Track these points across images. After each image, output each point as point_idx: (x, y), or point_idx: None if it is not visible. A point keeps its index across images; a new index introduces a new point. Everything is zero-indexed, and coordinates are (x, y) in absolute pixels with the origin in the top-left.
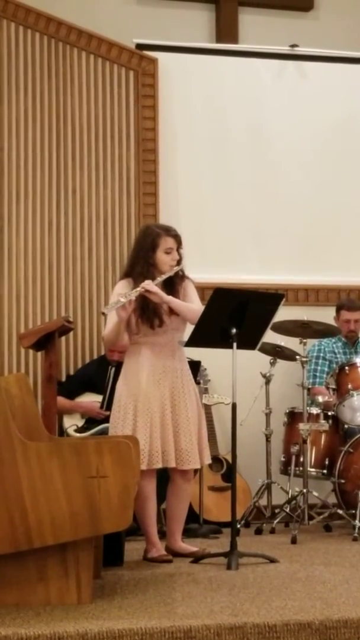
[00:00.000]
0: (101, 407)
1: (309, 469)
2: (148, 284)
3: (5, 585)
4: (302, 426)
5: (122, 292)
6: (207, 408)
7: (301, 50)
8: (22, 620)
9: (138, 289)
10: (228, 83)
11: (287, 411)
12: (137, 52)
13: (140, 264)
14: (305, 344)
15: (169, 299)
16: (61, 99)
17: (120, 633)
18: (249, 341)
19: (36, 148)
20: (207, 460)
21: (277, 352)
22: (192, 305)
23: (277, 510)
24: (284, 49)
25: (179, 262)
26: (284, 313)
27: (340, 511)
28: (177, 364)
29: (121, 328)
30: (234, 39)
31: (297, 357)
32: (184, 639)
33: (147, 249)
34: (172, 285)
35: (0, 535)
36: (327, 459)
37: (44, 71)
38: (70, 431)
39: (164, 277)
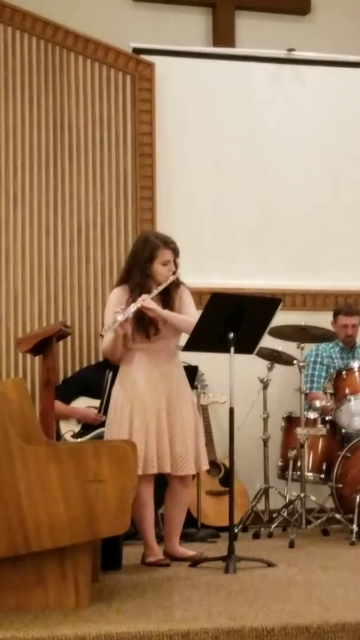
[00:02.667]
0: (99, 411)
1: (306, 473)
2: (145, 300)
3: (4, 588)
4: (300, 431)
5: (118, 309)
6: (205, 410)
7: (298, 54)
8: (21, 624)
9: (135, 304)
10: (225, 87)
11: (285, 416)
12: (134, 56)
13: (137, 274)
14: (302, 348)
15: (165, 314)
16: (58, 103)
17: (118, 636)
18: (246, 346)
19: (33, 152)
20: (205, 466)
21: (275, 357)
22: (188, 317)
23: (274, 515)
24: (281, 53)
25: (174, 272)
26: (282, 318)
27: (337, 515)
28: (173, 370)
29: (118, 343)
30: (231, 43)
31: (295, 361)
32: None
33: (145, 260)
34: (168, 292)
35: None
36: (324, 464)
37: (41, 75)
38: (67, 437)
39: (160, 288)
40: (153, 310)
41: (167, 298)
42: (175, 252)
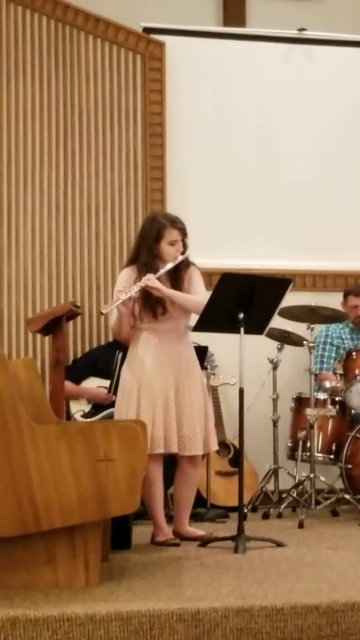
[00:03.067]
0: (109, 391)
1: (316, 454)
2: (149, 279)
3: (14, 567)
4: (309, 412)
5: (122, 288)
6: (214, 391)
7: (309, 34)
8: (31, 602)
9: (139, 283)
10: (235, 67)
11: (294, 397)
12: (145, 35)
13: (145, 254)
14: (312, 329)
15: (170, 293)
16: (68, 83)
17: (128, 615)
18: (256, 326)
19: (43, 132)
20: (214, 446)
21: (285, 338)
22: (195, 297)
23: (284, 495)
24: (292, 33)
25: (183, 252)
26: (292, 298)
27: (347, 496)
28: (182, 350)
29: (123, 321)
30: (242, 23)
31: (305, 342)
32: (191, 622)
33: (152, 240)
34: (177, 272)
35: (8, 518)
36: (334, 444)
37: (51, 55)
38: (77, 417)
39: (166, 268)
40: (158, 289)
41: (177, 278)
42: (183, 232)
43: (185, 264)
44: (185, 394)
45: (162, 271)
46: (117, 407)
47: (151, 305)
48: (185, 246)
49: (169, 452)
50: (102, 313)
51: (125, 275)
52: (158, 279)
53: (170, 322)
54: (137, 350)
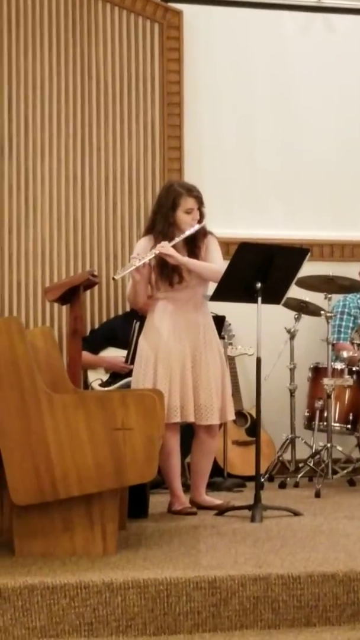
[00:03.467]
0: (126, 361)
1: (332, 423)
2: (163, 246)
3: (32, 535)
4: (327, 381)
5: (136, 255)
6: (232, 361)
7: (328, 2)
8: (49, 570)
9: (153, 251)
10: (253, 36)
11: (312, 366)
12: (162, 4)
13: (161, 222)
14: (330, 299)
15: (185, 260)
16: (85, 52)
17: (145, 583)
18: (273, 296)
19: (60, 102)
20: (231, 416)
21: (302, 308)
22: (211, 264)
23: (301, 465)
24: (311, 1)
25: (200, 221)
26: (309, 268)
27: None
28: (200, 319)
29: (138, 289)
30: None
31: (322, 312)
32: (208, 589)
33: (168, 208)
34: (195, 242)
35: (26, 486)
36: (351, 414)
37: (68, 24)
38: (95, 385)
39: (182, 236)
40: (172, 256)
41: (194, 247)
42: (199, 200)
43: (202, 233)
44: (203, 363)
45: (177, 239)
46: (134, 376)
47: (167, 273)
48: (202, 215)
49: (185, 422)
50: (113, 279)
51: (142, 244)
52: (175, 247)
53: (187, 290)
54: (153, 320)
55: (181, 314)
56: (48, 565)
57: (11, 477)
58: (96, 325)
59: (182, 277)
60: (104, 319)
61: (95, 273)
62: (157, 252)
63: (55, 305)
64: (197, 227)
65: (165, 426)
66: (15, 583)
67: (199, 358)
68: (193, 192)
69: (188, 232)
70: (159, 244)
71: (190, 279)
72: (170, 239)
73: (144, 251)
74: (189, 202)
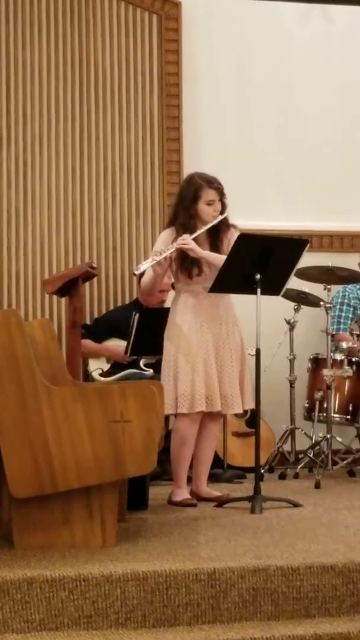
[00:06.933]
0: (125, 352)
1: (332, 414)
2: (185, 239)
3: (31, 528)
4: (326, 372)
5: (158, 249)
6: None
7: None
8: (48, 562)
9: (175, 244)
10: (252, 27)
11: (311, 357)
12: None
13: (183, 214)
14: (329, 290)
15: (205, 254)
16: (83, 43)
17: (144, 575)
18: (273, 287)
19: (59, 94)
20: (248, 405)
21: (301, 299)
22: None
23: (300, 456)
24: None
25: (222, 212)
26: (308, 259)
27: None
28: (221, 311)
29: (157, 282)
30: None
31: (321, 303)
32: (207, 581)
33: (189, 200)
34: (217, 234)
35: (25, 478)
36: (350, 405)
37: (67, 15)
38: (95, 375)
39: (204, 228)
40: (192, 249)
41: (215, 239)
42: (220, 192)
43: (225, 225)
44: (226, 355)
45: (198, 231)
46: (162, 376)
47: (187, 266)
48: (224, 206)
49: (211, 411)
50: (134, 274)
51: (164, 236)
52: (197, 239)
53: (207, 283)
54: (175, 316)
55: (202, 306)
56: (47, 557)
57: (10, 470)
58: (96, 316)
59: (202, 270)
60: (103, 311)
61: (94, 265)
62: (178, 245)
63: (54, 297)
64: (218, 218)
65: (183, 416)
66: (15, 576)
67: (222, 351)
68: (214, 183)
69: (209, 225)
70: (180, 236)
71: (209, 271)
72: (191, 231)
73: (165, 243)
74: (210, 194)
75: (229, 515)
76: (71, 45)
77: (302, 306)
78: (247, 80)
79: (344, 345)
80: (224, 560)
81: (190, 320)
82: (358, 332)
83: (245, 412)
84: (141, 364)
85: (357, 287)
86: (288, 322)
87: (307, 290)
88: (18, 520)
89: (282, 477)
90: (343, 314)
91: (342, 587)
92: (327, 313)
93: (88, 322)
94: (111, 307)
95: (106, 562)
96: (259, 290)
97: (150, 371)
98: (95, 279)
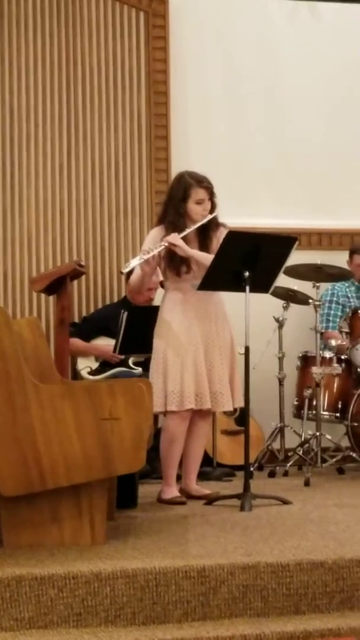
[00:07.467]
0: (114, 350)
1: (322, 412)
2: (172, 238)
3: (20, 526)
4: (315, 370)
5: (147, 248)
6: None
7: None
8: (37, 561)
9: (162, 242)
10: (240, 24)
11: (300, 355)
12: None
13: (172, 213)
14: (318, 287)
15: (193, 253)
16: (71, 41)
17: (134, 572)
18: (262, 284)
19: (46, 91)
20: (238, 403)
21: (290, 296)
22: None
23: (290, 454)
24: None
25: (212, 211)
26: (297, 257)
27: (353, 454)
28: (210, 308)
29: (145, 280)
30: None
31: (310, 301)
32: (197, 578)
33: (179, 199)
34: (206, 233)
35: (14, 477)
36: (340, 402)
37: (53, 12)
38: (84, 373)
39: (192, 228)
40: (181, 248)
41: (205, 238)
42: (209, 191)
43: (215, 225)
44: (216, 352)
45: (187, 230)
46: (150, 376)
47: (175, 263)
48: (213, 206)
49: (200, 408)
50: (121, 273)
51: (153, 234)
52: (186, 238)
53: (196, 280)
54: (163, 313)
55: (191, 304)
56: (36, 555)
57: None
58: (84, 314)
59: (190, 268)
60: (91, 309)
61: (82, 263)
62: (166, 243)
63: (42, 295)
64: (208, 217)
65: (172, 414)
66: (3, 574)
67: (212, 348)
68: (203, 182)
69: (198, 224)
70: (169, 234)
71: (198, 269)
72: (180, 230)
73: (153, 241)
74: (199, 193)
75: (219, 512)
76: (58, 43)
77: (291, 304)
78: (235, 78)
79: (333, 342)
80: (213, 557)
81: (179, 317)
82: (347, 330)
83: (235, 410)
84: (130, 362)
85: (346, 284)
86: (277, 320)
87: (296, 287)
88: (7, 519)
89: (272, 474)
90: (332, 312)
91: (332, 583)
92: (316, 311)
93: (76, 320)
94: (99, 305)
95: (95, 560)
96: (247, 288)
97: (139, 369)
98: (83, 277)
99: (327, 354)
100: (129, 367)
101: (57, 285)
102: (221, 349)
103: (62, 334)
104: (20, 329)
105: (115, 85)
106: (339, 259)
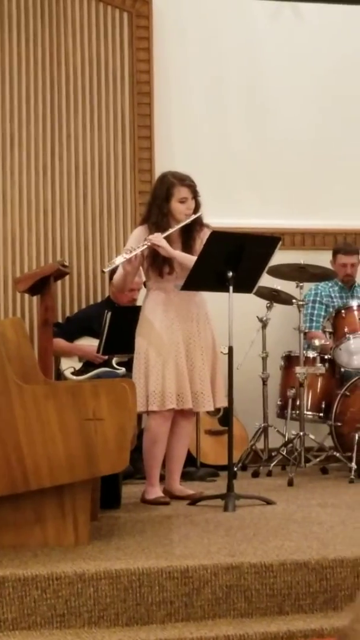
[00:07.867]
0: (97, 350)
1: (305, 412)
2: (155, 238)
3: (3, 527)
4: (299, 370)
5: (129, 247)
6: None
7: None
8: (20, 562)
9: (145, 242)
10: (223, 24)
11: (284, 355)
12: None
13: (155, 213)
14: (301, 287)
15: (176, 254)
16: (54, 42)
17: (117, 573)
18: (245, 284)
19: (30, 92)
20: (222, 403)
21: (274, 296)
22: None
23: (273, 454)
24: None
25: (195, 211)
26: (281, 257)
27: (336, 454)
28: (192, 309)
29: (127, 279)
30: None
31: (294, 301)
32: (181, 579)
33: (162, 199)
34: (190, 233)
35: None
36: (323, 402)
37: (37, 13)
38: (67, 373)
39: (176, 227)
40: (163, 248)
41: (188, 239)
42: (192, 189)
43: (199, 225)
44: (197, 352)
45: (170, 230)
46: (133, 374)
47: (158, 264)
48: (197, 205)
49: (181, 408)
50: (103, 271)
51: (137, 233)
52: (169, 237)
53: (178, 281)
54: (145, 312)
55: (172, 304)
56: (19, 556)
57: None
58: (67, 315)
59: (173, 268)
60: (75, 309)
61: (66, 263)
62: (149, 243)
63: (26, 296)
64: (191, 217)
65: (154, 414)
66: None
67: (193, 348)
68: (186, 181)
69: (182, 223)
70: (152, 234)
71: (181, 270)
72: (164, 230)
73: (137, 241)
74: (182, 192)
75: (202, 513)
76: (42, 43)
77: (274, 304)
78: (219, 78)
79: (317, 342)
80: (197, 557)
81: (161, 317)
82: (330, 330)
83: (218, 410)
84: (114, 362)
85: (329, 284)
86: (260, 320)
87: (279, 287)
88: None
89: (255, 474)
90: (315, 312)
91: (316, 583)
92: (300, 311)
93: (60, 320)
94: (83, 306)
95: (79, 560)
96: (231, 288)
97: (122, 370)
98: (67, 278)
99: (311, 354)
100: (112, 367)
101: (40, 286)
102: (202, 349)
103: (45, 334)
104: (4, 329)
105: (99, 85)
106: (323, 258)
